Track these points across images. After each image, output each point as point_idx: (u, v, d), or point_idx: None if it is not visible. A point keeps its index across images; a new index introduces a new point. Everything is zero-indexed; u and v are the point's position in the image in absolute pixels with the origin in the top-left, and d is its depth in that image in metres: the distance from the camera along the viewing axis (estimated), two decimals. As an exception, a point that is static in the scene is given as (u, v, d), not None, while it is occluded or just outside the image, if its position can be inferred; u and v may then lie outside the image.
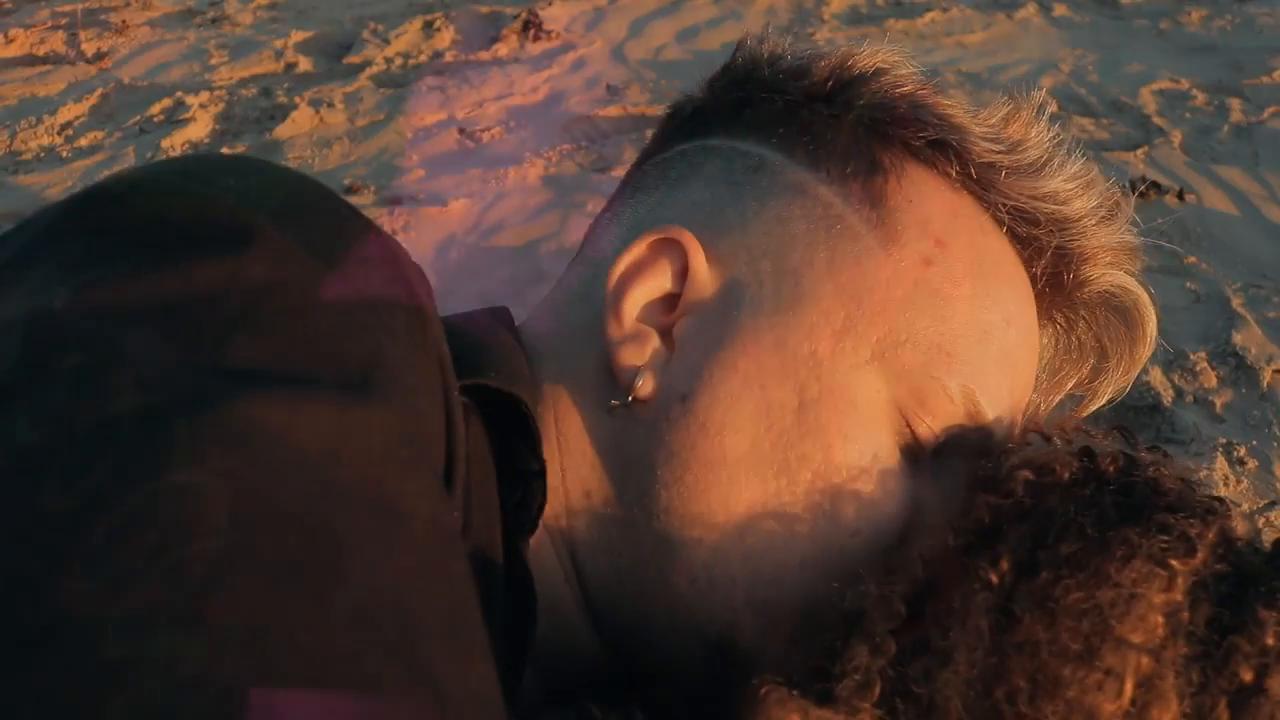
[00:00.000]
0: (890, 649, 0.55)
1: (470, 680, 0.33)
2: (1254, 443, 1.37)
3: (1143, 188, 1.96)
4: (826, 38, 2.83)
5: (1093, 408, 0.70)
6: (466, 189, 2.16)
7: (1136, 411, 1.46)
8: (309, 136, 2.42)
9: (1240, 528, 0.63)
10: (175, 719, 0.26)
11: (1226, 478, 1.30)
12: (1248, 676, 0.53)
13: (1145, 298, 0.66)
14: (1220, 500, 0.62)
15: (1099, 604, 0.54)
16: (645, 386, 0.56)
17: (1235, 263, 1.79)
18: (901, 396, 0.57)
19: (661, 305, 0.58)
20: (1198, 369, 1.51)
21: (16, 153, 2.44)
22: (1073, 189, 0.62)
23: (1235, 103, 2.40)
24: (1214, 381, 1.50)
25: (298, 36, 3.02)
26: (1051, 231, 0.61)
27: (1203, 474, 1.30)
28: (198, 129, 2.47)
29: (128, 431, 0.30)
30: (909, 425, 0.58)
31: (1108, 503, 0.59)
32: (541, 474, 0.53)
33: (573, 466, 0.57)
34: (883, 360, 0.57)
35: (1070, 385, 0.68)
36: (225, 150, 2.33)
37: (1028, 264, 0.62)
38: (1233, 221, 1.91)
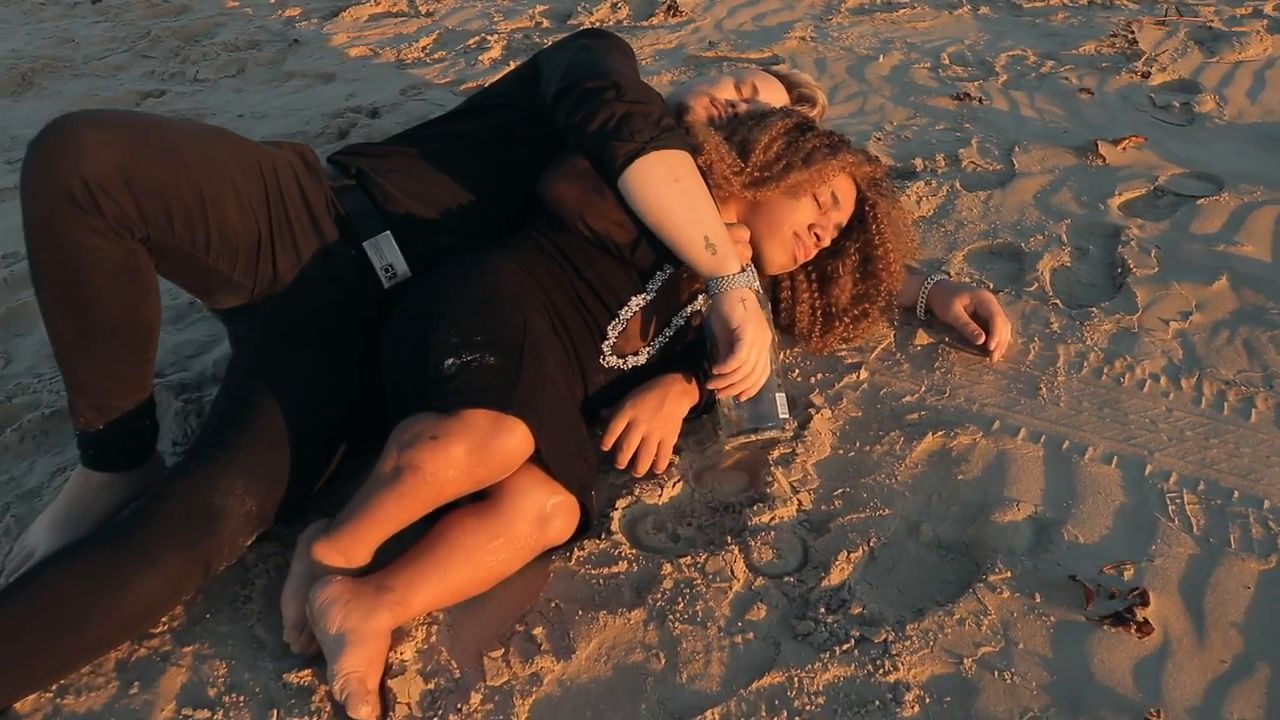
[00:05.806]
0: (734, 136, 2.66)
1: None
2: (949, 171, 3.38)
3: (961, 96, 3.95)
4: (838, 22, 4.84)
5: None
6: (631, 87, 4.25)
7: (902, 173, 3.48)
8: (550, 60, 4.58)
9: (815, 119, 2.72)
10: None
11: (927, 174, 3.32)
12: (800, 138, 2.62)
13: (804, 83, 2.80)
14: (812, 121, 2.72)
15: (768, 127, 2.62)
16: None
17: (987, 129, 3.72)
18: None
19: None
20: (937, 161, 3.51)
21: (403, 60, 4.64)
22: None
23: (1049, 63, 4.26)
24: (942, 165, 3.50)
25: (540, 8, 5.14)
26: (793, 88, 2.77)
27: (919, 163, 3.33)
28: (493, 54, 4.62)
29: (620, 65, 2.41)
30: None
31: (788, 114, 2.69)
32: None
33: None
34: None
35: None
36: (511, 64, 4.51)
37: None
38: (997, 113, 3.85)
